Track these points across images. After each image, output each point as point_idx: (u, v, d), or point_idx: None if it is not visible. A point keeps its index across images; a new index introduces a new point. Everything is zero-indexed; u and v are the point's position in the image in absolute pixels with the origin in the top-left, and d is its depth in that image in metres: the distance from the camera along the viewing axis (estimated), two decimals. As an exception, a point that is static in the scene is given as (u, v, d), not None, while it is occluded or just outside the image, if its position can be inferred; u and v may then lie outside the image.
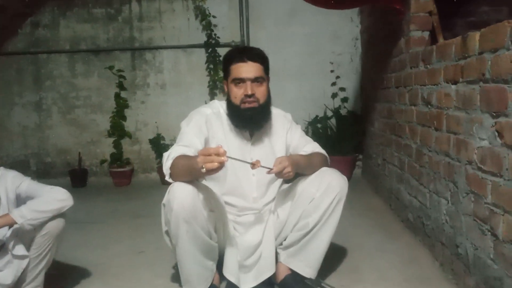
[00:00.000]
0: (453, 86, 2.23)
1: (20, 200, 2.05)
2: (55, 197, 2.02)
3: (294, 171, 1.99)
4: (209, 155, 1.68)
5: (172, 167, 1.93)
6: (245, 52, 2.14)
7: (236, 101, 2.11)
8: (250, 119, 2.14)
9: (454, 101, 2.22)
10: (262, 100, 2.12)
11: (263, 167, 1.88)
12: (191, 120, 2.18)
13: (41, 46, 5.27)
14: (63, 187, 2.13)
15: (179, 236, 1.97)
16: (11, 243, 1.95)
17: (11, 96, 5.32)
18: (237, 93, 2.11)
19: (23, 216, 1.90)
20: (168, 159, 1.96)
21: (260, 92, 2.11)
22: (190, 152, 1.99)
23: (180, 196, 1.92)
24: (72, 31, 5.25)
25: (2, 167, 2.12)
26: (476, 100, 1.95)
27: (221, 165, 1.68)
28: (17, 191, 2.06)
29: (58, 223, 2.03)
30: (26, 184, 2.07)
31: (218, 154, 1.67)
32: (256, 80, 2.10)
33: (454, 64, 2.21)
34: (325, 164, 2.24)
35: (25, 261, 1.98)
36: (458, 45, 2.16)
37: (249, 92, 2.07)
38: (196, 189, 1.96)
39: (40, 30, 5.24)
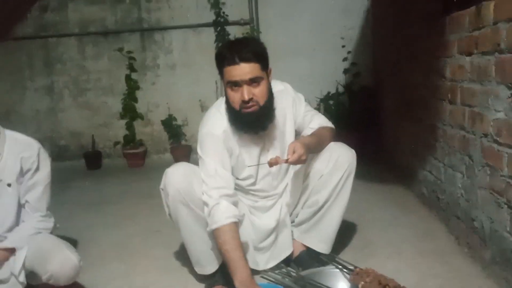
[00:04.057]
0: (467, 58, 2.19)
1: (22, 185, 2.02)
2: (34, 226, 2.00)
3: (307, 156, 1.92)
4: None
5: (217, 234, 1.89)
6: (237, 51, 1.89)
7: (235, 105, 1.95)
8: (253, 123, 1.99)
9: (469, 73, 2.18)
10: (262, 101, 1.95)
11: (281, 162, 1.87)
12: (209, 149, 2.02)
13: (50, 30, 5.27)
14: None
15: (179, 219, 2.00)
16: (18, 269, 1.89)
17: (23, 81, 5.35)
18: (234, 97, 1.93)
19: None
20: (211, 216, 1.90)
21: (258, 93, 1.93)
22: (229, 191, 1.96)
23: (175, 179, 1.96)
24: (80, 14, 5.23)
25: (43, 150, 2.08)
26: (491, 71, 1.91)
27: None
28: (29, 182, 2.01)
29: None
30: (39, 192, 2.03)
31: None
32: (252, 81, 1.91)
33: (468, 35, 2.17)
34: (333, 138, 2.17)
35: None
36: (472, 15, 2.12)
37: (246, 98, 1.90)
38: (192, 171, 1.98)
39: (49, 13, 5.23)
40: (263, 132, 2.06)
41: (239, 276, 1.82)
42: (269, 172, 2.11)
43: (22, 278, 1.88)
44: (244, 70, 1.89)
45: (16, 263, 1.88)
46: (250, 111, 1.94)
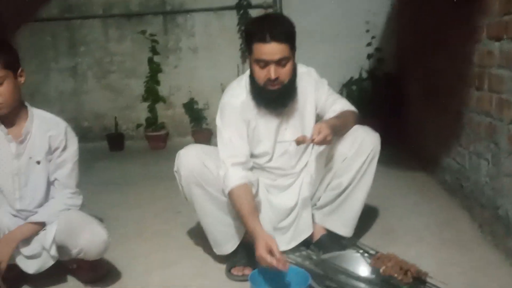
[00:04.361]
0: (497, 44, 2.14)
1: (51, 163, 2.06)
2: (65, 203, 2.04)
3: (332, 137, 1.91)
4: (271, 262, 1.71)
5: (230, 197, 1.94)
6: (269, 29, 1.89)
7: (260, 81, 1.97)
8: (275, 101, 2.02)
9: (497, 59, 2.14)
10: (286, 81, 1.98)
11: (307, 141, 1.88)
12: (225, 118, 2.07)
13: (75, 12, 5.29)
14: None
15: (194, 201, 2.04)
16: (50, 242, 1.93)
17: (47, 62, 5.40)
18: (260, 75, 1.96)
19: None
20: (223, 184, 1.95)
21: (284, 73, 1.95)
22: (242, 159, 2.00)
23: (187, 161, 1.99)
24: (104, -5, 5.26)
25: (69, 128, 2.18)
26: (522, 57, 1.87)
27: None
28: (57, 160, 2.06)
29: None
30: (68, 169, 2.08)
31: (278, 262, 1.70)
32: (280, 61, 1.93)
33: (498, 20, 2.12)
34: (356, 121, 2.17)
35: (51, 261, 1.96)
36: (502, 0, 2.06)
37: (273, 77, 1.92)
38: (204, 152, 2.01)
39: (73, -5, 5.27)
40: (282, 109, 2.08)
41: (248, 230, 1.87)
42: (286, 150, 2.12)
43: (53, 252, 1.93)
44: (274, 49, 1.90)
45: (47, 238, 1.93)
46: (274, 88, 1.97)
